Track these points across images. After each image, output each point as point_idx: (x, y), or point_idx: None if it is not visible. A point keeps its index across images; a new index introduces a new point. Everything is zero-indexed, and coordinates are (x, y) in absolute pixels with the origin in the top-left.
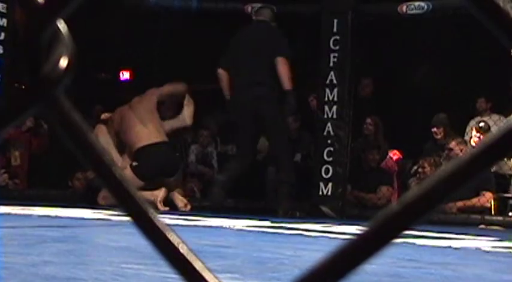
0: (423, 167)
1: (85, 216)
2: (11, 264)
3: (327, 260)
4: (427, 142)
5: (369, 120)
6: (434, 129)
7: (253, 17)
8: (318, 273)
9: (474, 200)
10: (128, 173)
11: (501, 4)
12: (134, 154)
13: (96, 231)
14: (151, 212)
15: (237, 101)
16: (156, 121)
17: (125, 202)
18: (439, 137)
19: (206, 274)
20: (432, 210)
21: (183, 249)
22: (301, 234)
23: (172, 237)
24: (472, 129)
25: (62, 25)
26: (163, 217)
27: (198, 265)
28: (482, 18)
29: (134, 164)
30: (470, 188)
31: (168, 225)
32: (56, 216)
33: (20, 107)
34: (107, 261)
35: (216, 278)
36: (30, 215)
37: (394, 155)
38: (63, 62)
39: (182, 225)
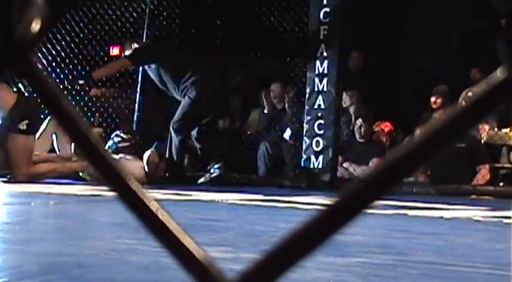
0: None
1: (77, 193)
2: (2, 241)
3: (298, 231)
4: (424, 112)
5: (344, 94)
6: (433, 99)
7: None
8: (291, 244)
9: (480, 180)
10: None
11: None
12: None
13: (88, 207)
14: (127, 176)
15: None
16: None
17: (100, 166)
18: (436, 106)
19: (183, 238)
20: (402, 179)
21: (162, 215)
22: (293, 207)
23: (152, 204)
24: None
25: None
26: (155, 191)
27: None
28: None
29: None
30: (465, 166)
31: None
32: (48, 193)
33: None
34: (99, 236)
35: (193, 241)
36: (21, 192)
37: (386, 127)
38: (36, 25)
39: (173, 200)
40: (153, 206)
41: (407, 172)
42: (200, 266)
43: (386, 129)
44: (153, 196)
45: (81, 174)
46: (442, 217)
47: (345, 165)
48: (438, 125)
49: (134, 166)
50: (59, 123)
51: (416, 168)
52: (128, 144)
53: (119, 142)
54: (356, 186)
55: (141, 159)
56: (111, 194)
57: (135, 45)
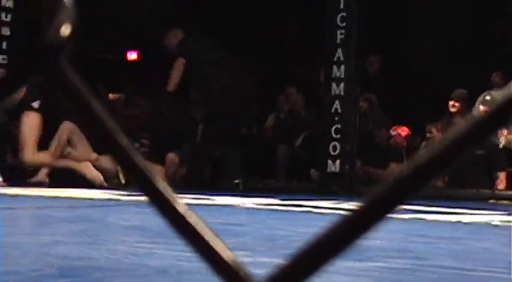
0: (430, 132)
1: (95, 197)
2: (23, 245)
3: (323, 236)
4: (443, 116)
5: (361, 98)
6: (452, 102)
7: None
8: (314, 249)
9: (499, 186)
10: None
11: None
12: None
13: (107, 211)
14: (156, 179)
15: None
16: None
17: (131, 168)
18: (455, 110)
19: (212, 240)
20: (424, 185)
21: (191, 217)
22: (311, 211)
23: (180, 207)
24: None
25: None
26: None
27: (207, 236)
28: None
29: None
30: (483, 171)
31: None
32: (67, 197)
33: (22, 74)
34: (118, 240)
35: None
36: (40, 196)
37: (403, 131)
38: (66, 29)
39: (192, 205)
40: (182, 208)
41: (431, 178)
42: (229, 268)
43: (403, 134)
44: (181, 198)
45: (97, 182)
46: (460, 222)
47: (363, 168)
48: (461, 131)
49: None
50: (89, 126)
51: (440, 174)
52: (146, 150)
53: (138, 148)
54: (380, 192)
55: (162, 161)
56: (130, 198)
57: (176, 37)
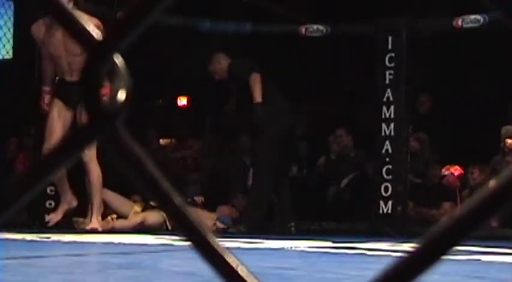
0: (472, 173)
1: (147, 242)
2: None
3: (381, 278)
4: (495, 156)
5: (411, 138)
6: (510, 141)
7: None
8: None
9: None
10: None
11: None
12: None
13: (159, 256)
14: (210, 236)
15: None
16: None
17: (185, 228)
18: (511, 148)
19: None
20: (480, 225)
21: (242, 271)
22: (363, 254)
23: (231, 260)
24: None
25: (119, 59)
26: (224, 240)
27: None
28: None
29: None
30: None
31: (227, 248)
32: (119, 243)
33: (81, 139)
34: None
35: None
36: (94, 243)
37: (456, 170)
38: (122, 95)
39: (243, 248)
40: (232, 262)
41: (486, 218)
42: None
43: (456, 173)
44: (229, 250)
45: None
46: None
47: (416, 209)
48: None
49: (206, 216)
50: (144, 187)
51: (494, 214)
52: (199, 208)
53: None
54: (435, 233)
55: (213, 207)
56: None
57: (226, 60)
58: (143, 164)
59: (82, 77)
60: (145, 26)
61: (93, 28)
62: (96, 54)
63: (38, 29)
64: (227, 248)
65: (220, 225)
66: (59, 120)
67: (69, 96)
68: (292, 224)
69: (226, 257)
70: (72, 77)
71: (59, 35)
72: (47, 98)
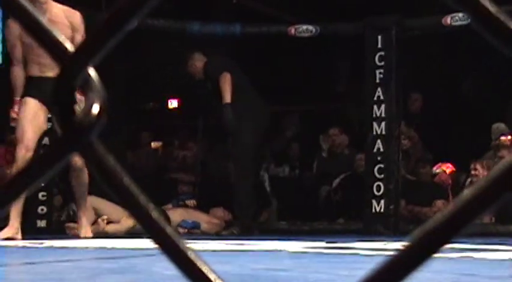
0: (475, 169)
1: (140, 246)
2: None
3: (371, 277)
4: (487, 151)
5: (403, 137)
6: (504, 138)
7: None
8: None
9: None
10: None
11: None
12: None
13: (152, 260)
14: (189, 250)
15: None
16: None
17: (162, 242)
18: (510, 144)
19: None
20: (470, 223)
21: (211, 275)
22: (356, 254)
23: (201, 264)
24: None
25: (92, 72)
26: (218, 242)
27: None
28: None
29: None
30: None
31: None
32: (112, 248)
33: (55, 155)
34: None
35: None
36: (86, 248)
37: (447, 168)
38: (95, 109)
39: (236, 251)
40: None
41: (476, 215)
42: None
43: (448, 171)
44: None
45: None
46: (510, 259)
47: (408, 207)
48: (507, 167)
49: (199, 218)
50: (121, 201)
51: (485, 211)
52: (192, 210)
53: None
54: (425, 230)
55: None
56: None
57: (202, 60)
58: (118, 177)
59: (54, 90)
60: (119, 38)
61: (66, 39)
62: (69, 67)
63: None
64: (197, 253)
65: (181, 230)
66: (31, 121)
67: (41, 93)
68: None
69: (196, 262)
70: (44, 73)
71: None
72: (17, 108)
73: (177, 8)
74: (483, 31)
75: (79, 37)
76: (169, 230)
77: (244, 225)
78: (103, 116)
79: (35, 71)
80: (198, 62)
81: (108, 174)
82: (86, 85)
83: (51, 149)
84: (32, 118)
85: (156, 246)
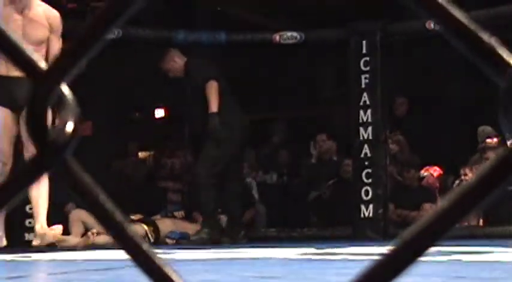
0: (465, 174)
1: (127, 257)
2: None
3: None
4: (473, 154)
5: (390, 140)
6: (490, 140)
7: None
8: None
9: None
10: None
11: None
12: None
13: (139, 271)
14: (166, 267)
15: None
16: None
17: (138, 259)
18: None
19: None
20: (454, 225)
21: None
22: (346, 259)
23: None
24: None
25: (66, 90)
26: (206, 252)
27: None
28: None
29: None
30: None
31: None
32: (101, 259)
33: (30, 173)
34: None
35: None
36: (75, 260)
37: (435, 171)
38: (69, 127)
39: (225, 259)
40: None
41: (462, 217)
42: None
43: (435, 174)
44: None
45: None
46: (498, 261)
47: (397, 211)
48: (491, 168)
49: (187, 227)
50: (97, 218)
51: (471, 213)
52: (180, 221)
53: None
54: (411, 233)
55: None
56: (164, 256)
57: (182, 59)
58: (93, 194)
59: (28, 109)
60: (93, 54)
61: (39, 57)
62: (42, 84)
63: None
64: (166, 262)
65: (169, 241)
66: (5, 133)
67: (11, 99)
68: (242, 232)
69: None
70: (12, 72)
71: (19, 20)
72: None
73: (162, 17)
74: (455, 42)
75: (55, 39)
76: (145, 246)
77: (235, 234)
78: (77, 134)
79: (2, 69)
80: (178, 60)
81: (84, 191)
82: (59, 103)
83: (26, 167)
84: (3, 130)
85: (133, 262)
